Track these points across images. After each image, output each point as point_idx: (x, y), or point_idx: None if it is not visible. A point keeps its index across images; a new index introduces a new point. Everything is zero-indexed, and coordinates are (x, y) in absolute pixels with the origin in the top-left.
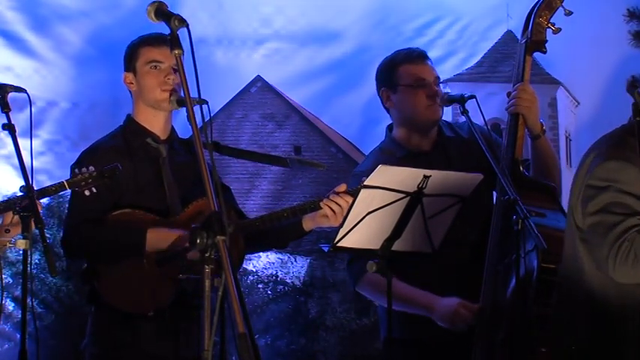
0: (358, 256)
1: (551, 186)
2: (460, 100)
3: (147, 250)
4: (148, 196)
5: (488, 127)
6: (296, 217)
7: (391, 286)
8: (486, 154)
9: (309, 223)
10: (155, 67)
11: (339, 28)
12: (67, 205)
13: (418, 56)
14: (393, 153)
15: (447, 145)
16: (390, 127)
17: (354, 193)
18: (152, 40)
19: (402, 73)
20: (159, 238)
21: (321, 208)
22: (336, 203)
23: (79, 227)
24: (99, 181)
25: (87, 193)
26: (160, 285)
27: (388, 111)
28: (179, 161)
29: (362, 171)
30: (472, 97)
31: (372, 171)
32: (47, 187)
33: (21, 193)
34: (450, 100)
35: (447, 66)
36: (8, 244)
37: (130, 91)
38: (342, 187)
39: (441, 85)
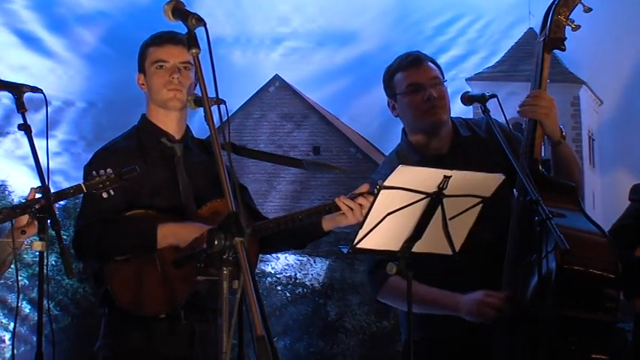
0: (378, 265)
1: (572, 186)
2: (481, 100)
3: (159, 245)
4: (163, 196)
5: (510, 126)
6: (311, 219)
7: (411, 287)
8: (508, 154)
9: (328, 223)
10: (161, 66)
11: (358, 27)
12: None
13: (410, 62)
14: (409, 158)
15: (464, 146)
16: (405, 131)
17: (374, 195)
18: (157, 39)
19: (396, 81)
20: (170, 232)
21: (335, 211)
22: (354, 202)
23: (92, 228)
24: (116, 183)
25: (104, 195)
26: (173, 287)
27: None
28: (194, 161)
29: (377, 180)
30: (493, 96)
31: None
32: (64, 189)
33: (37, 195)
34: (470, 99)
35: (468, 64)
36: (24, 245)
37: (144, 92)
38: (365, 188)
39: (444, 83)
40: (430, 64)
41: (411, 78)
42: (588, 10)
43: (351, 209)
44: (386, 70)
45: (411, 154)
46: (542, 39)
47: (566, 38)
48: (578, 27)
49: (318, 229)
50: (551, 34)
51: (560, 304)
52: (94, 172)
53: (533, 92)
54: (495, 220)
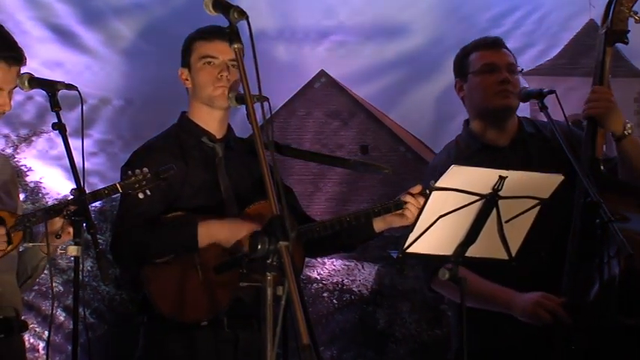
0: None
1: (636, 186)
2: (538, 96)
3: (200, 243)
4: (203, 198)
5: (569, 123)
6: (359, 221)
7: (465, 296)
8: (566, 152)
9: (380, 224)
10: (209, 62)
11: (407, 20)
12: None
13: (489, 43)
14: (469, 146)
15: (528, 142)
16: (467, 121)
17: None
18: (206, 33)
19: (472, 60)
20: (212, 229)
21: (385, 213)
22: (412, 204)
23: (130, 231)
24: (153, 183)
25: (141, 196)
26: (215, 293)
27: (464, 102)
28: (236, 161)
29: (435, 164)
30: (551, 92)
31: (447, 164)
32: (99, 190)
33: (72, 197)
34: (527, 95)
35: (525, 58)
36: (59, 250)
37: (186, 88)
38: (417, 189)
39: (520, 77)
40: (507, 50)
41: (487, 58)
42: None
43: (410, 211)
44: (460, 50)
45: (472, 142)
46: (603, 31)
47: (629, 31)
48: None
49: (369, 230)
50: (614, 26)
51: (624, 312)
52: (129, 172)
53: (592, 88)
54: (558, 225)
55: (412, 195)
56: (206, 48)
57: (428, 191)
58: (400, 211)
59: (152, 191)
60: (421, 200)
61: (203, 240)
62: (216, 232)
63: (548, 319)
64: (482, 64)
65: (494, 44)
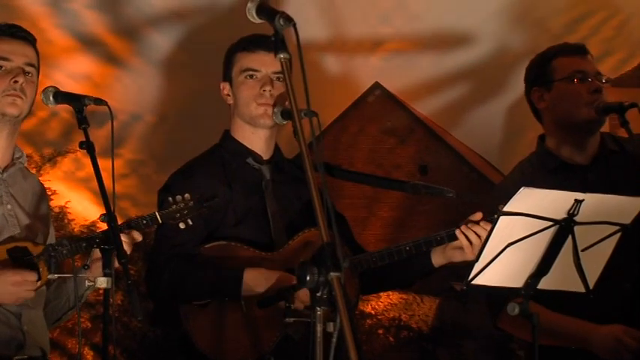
0: None
1: None
2: (619, 110)
3: (244, 292)
4: (249, 225)
5: None
6: (420, 251)
7: (537, 334)
8: None
9: (439, 257)
10: (251, 76)
11: (471, 26)
12: (153, 237)
13: (576, 48)
14: (545, 164)
15: (610, 162)
16: (542, 137)
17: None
18: (247, 43)
19: (556, 66)
20: (258, 279)
21: (450, 241)
22: (475, 233)
23: (169, 263)
24: (196, 211)
25: (182, 226)
26: (261, 330)
27: (540, 116)
28: (285, 185)
29: (506, 186)
30: (633, 105)
31: (520, 186)
32: (136, 219)
33: (102, 222)
34: (606, 109)
35: (603, 68)
36: (87, 283)
37: (228, 105)
38: (478, 216)
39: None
40: (592, 57)
41: (577, 65)
42: None
43: (470, 242)
44: (539, 55)
45: (548, 160)
46: None
47: None
48: None
49: (427, 264)
50: None
51: None
52: (170, 199)
53: None
54: (639, 251)
55: (476, 222)
56: (248, 60)
57: (495, 216)
58: (457, 242)
59: (194, 220)
60: (487, 227)
61: (247, 291)
62: (262, 285)
63: (630, 357)
64: (573, 70)
65: (581, 50)
